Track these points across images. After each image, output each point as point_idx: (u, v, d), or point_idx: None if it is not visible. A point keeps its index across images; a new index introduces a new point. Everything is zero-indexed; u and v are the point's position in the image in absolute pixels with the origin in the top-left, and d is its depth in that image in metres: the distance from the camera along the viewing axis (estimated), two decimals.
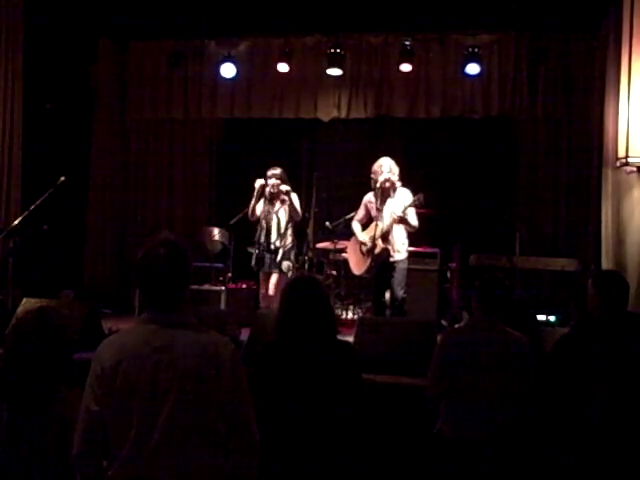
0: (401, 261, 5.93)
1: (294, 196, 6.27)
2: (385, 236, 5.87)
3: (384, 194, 5.92)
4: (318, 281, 3.13)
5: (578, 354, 3.17)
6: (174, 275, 2.21)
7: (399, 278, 5.90)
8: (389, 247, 5.89)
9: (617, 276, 3.41)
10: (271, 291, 6.19)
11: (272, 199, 6.27)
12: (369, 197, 6.10)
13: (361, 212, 6.19)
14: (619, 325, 3.18)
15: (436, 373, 3.43)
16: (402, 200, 5.86)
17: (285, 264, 6.23)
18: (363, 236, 6.09)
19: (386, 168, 5.86)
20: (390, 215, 5.84)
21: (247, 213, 6.38)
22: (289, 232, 6.29)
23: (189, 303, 2.28)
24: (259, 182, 6.26)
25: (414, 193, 5.87)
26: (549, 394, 3.28)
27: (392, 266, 5.90)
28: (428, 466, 3.86)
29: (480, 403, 3.26)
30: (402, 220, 5.78)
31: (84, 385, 2.23)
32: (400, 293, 5.90)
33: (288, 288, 3.02)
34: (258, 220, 6.33)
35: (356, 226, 6.22)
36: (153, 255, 2.20)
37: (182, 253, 2.24)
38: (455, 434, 3.30)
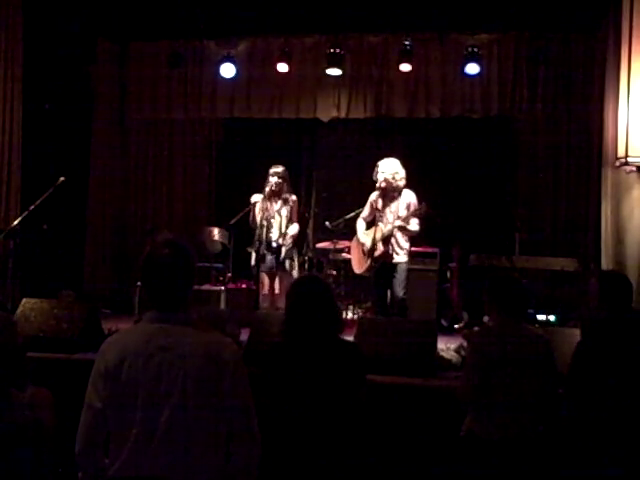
0: (403, 262, 5.91)
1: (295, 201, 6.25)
2: (386, 239, 5.85)
3: (386, 195, 5.90)
4: (320, 279, 3.13)
5: (597, 355, 3.22)
6: (178, 274, 2.24)
7: (400, 278, 5.87)
8: (390, 250, 5.87)
9: (621, 276, 3.52)
10: (277, 290, 6.19)
11: (272, 197, 6.23)
12: (374, 196, 6.06)
13: (367, 210, 6.11)
14: (628, 324, 3.22)
15: (470, 374, 3.40)
16: (405, 203, 5.83)
17: (288, 263, 6.22)
18: (364, 237, 6.00)
19: (380, 169, 5.83)
20: (393, 219, 5.83)
21: (248, 213, 6.35)
22: (289, 231, 6.27)
23: (192, 303, 2.30)
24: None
25: (417, 195, 5.84)
26: (577, 393, 3.31)
27: (393, 267, 5.89)
28: (430, 466, 3.87)
29: (511, 403, 3.25)
30: (402, 229, 5.77)
31: (85, 384, 2.23)
32: (401, 293, 5.87)
33: (291, 288, 3.04)
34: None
35: (360, 225, 6.13)
36: (157, 255, 2.25)
37: (186, 253, 2.28)
38: (487, 434, 3.29)
